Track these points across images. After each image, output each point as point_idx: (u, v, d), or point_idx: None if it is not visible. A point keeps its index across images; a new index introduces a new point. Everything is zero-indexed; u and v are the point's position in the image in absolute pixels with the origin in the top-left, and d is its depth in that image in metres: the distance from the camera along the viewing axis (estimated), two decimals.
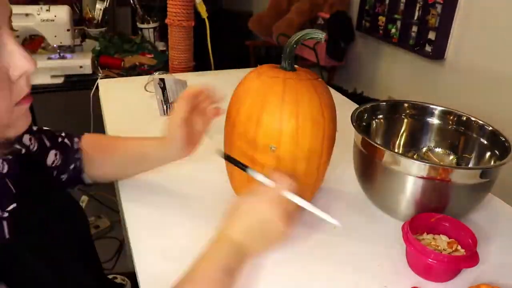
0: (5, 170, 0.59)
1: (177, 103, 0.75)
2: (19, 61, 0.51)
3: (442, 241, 0.74)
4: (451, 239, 0.74)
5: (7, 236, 0.54)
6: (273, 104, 0.71)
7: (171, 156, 0.81)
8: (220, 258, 0.59)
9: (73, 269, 0.63)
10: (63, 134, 0.83)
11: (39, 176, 0.71)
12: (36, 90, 1.64)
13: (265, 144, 0.72)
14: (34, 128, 0.76)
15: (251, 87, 0.75)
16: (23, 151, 0.68)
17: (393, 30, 2.38)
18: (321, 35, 0.70)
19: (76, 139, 0.84)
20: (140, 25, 2.23)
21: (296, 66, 0.79)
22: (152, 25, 2.21)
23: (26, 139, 0.72)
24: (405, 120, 0.99)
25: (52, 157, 0.78)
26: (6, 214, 0.56)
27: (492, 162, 0.85)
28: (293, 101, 0.71)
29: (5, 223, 0.55)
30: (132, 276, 0.95)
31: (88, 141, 0.85)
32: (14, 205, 0.58)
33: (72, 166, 0.82)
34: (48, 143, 0.78)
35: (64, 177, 0.81)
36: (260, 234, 0.60)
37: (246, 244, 0.60)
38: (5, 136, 0.53)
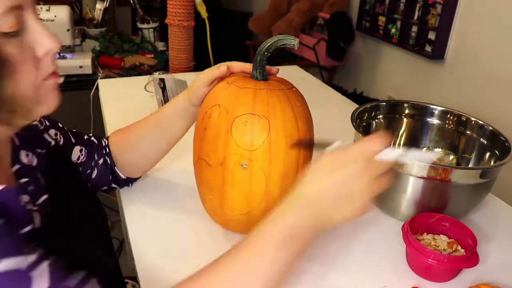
0: (34, 163, 0.61)
1: (216, 66, 0.73)
2: (44, 40, 0.53)
3: (442, 241, 0.74)
4: (451, 239, 0.74)
5: (38, 225, 0.55)
6: (242, 118, 0.65)
7: (186, 113, 0.78)
8: (278, 227, 0.48)
9: (94, 258, 0.63)
10: (90, 134, 0.84)
11: (66, 169, 0.72)
12: None
13: (235, 161, 0.66)
14: (60, 124, 0.77)
15: (218, 98, 0.69)
16: (53, 143, 0.69)
17: (393, 30, 2.38)
18: (294, 41, 0.66)
19: (104, 138, 0.85)
20: (140, 25, 2.23)
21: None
22: (152, 25, 2.21)
23: (52, 133, 0.73)
24: (405, 120, 0.99)
25: (77, 153, 0.78)
26: (35, 208, 0.56)
27: (492, 162, 0.86)
28: (264, 113, 0.65)
29: (36, 215, 0.55)
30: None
31: (114, 137, 0.85)
32: (45, 196, 0.59)
33: (101, 162, 0.82)
34: (73, 140, 0.78)
35: (93, 173, 0.81)
36: (338, 200, 0.49)
37: (318, 207, 0.49)
38: (38, 114, 0.55)
